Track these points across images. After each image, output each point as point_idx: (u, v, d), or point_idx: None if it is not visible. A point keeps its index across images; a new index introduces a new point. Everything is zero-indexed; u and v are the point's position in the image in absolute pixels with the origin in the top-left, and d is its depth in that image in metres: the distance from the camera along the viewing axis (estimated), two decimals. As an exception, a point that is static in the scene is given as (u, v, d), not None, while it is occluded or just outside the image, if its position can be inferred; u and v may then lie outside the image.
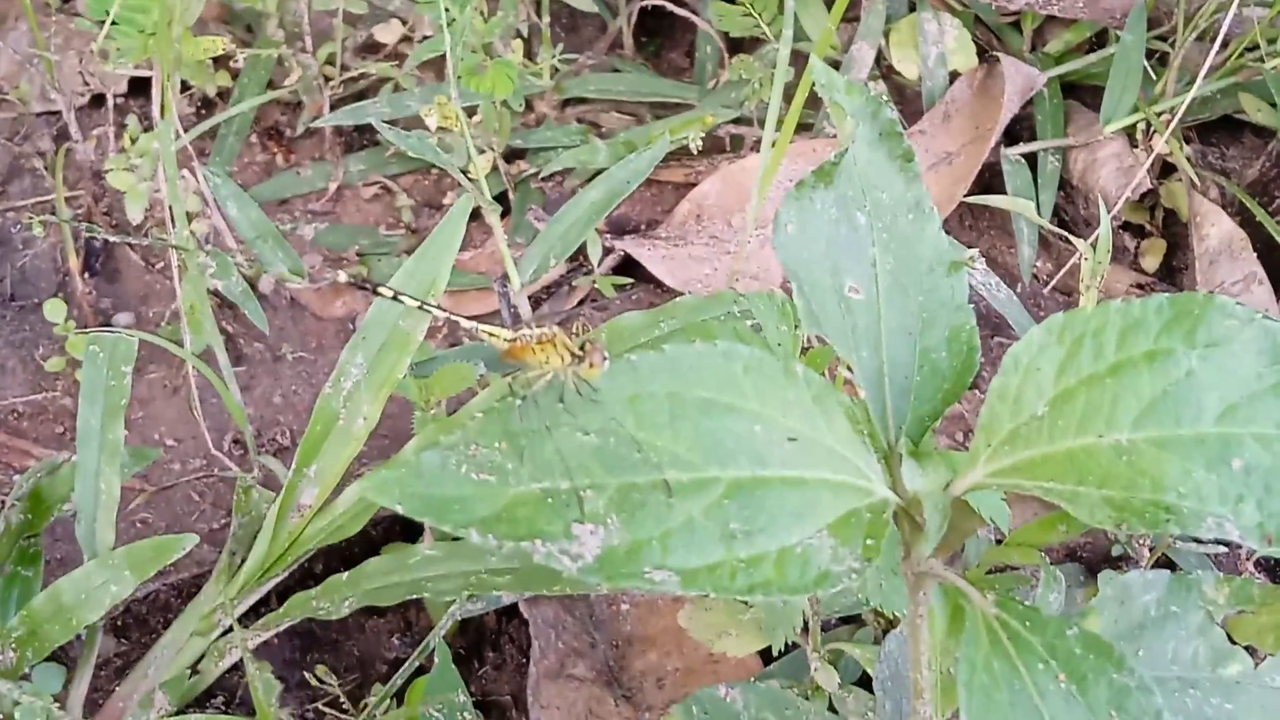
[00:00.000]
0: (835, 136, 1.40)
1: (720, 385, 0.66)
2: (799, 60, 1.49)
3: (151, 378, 1.27)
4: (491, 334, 0.64)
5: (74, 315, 1.28)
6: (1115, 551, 1.09)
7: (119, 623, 1.06)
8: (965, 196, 1.34)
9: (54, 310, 1.23)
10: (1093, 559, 1.11)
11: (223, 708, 1.01)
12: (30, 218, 1.28)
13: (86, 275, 1.34)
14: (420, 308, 0.64)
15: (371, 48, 1.51)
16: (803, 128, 1.42)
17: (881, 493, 0.67)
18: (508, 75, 1.27)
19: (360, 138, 1.49)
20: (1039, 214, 1.35)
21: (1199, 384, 0.66)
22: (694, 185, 1.39)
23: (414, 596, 0.92)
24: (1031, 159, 1.42)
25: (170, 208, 1.12)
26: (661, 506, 0.63)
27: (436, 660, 0.89)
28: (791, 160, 1.36)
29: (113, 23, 1.27)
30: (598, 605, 1.08)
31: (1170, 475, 0.64)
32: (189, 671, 0.97)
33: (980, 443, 0.67)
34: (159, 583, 1.06)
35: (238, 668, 1.01)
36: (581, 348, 0.62)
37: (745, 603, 0.94)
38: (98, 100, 1.47)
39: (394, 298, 0.64)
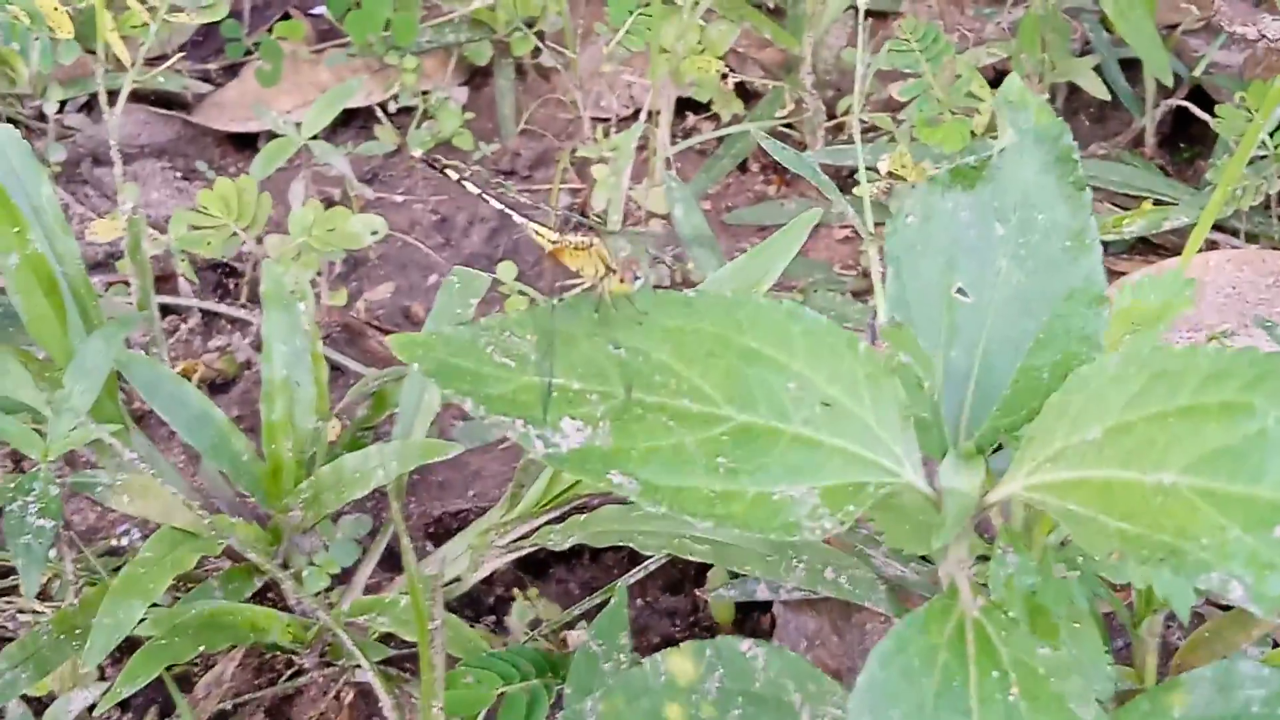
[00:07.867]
0: (1296, 252, 1.33)
1: (772, 340, 0.68)
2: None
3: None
4: (538, 233, 0.70)
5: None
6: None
7: (433, 531, 1.18)
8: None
9: (505, 271, 1.38)
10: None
11: (470, 616, 1.11)
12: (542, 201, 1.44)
13: (557, 250, 1.49)
14: (480, 196, 0.71)
15: (895, 106, 1.58)
16: (1265, 237, 1.36)
17: (909, 478, 0.66)
18: (960, 133, 1.31)
19: (850, 181, 1.55)
20: None
21: (1269, 444, 0.61)
22: (1120, 275, 1.36)
23: (622, 543, 0.98)
24: None
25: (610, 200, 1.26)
26: (659, 427, 0.66)
27: (612, 602, 0.94)
28: (1237, 266, 1.29)
29: (627, 32, 1.44)
30: (871, 634, 1.09)
31: (1200, 526, 0.61)
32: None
33: (1025, 455, 0.66)
34: (470, 503, 1.18)
35: (488, 580, 1.11)
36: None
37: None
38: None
39: (459, 181, 0.71)
